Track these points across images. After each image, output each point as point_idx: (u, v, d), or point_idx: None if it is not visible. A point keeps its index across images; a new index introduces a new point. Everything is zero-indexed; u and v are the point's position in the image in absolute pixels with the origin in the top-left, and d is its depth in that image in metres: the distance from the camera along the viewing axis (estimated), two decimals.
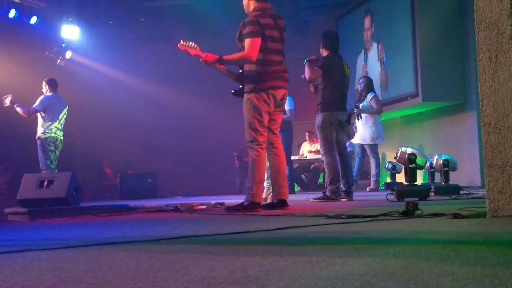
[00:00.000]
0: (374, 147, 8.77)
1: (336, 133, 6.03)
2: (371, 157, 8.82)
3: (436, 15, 9.34)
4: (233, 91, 4.75)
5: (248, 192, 4.61)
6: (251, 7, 4.71)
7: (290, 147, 8.99)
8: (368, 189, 8.82)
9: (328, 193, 5.90)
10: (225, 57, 4.61)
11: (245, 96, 4.65)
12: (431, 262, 1.49)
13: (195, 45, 4.68)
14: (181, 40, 4.70)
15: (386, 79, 10.67)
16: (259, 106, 4.59)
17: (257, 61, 4.56)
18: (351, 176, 6.26)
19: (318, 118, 6.02)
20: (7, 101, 7.72)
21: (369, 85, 8.80)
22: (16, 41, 10.31)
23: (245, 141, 4.69)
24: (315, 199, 5.96)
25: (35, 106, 7.83)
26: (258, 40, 4.51)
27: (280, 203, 4.67)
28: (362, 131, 8.72)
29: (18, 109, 7.80)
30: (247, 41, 4.51)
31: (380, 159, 9.28)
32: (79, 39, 11.24)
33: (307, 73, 6.00)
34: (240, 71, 4.71)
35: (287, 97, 8.52)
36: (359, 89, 9.01)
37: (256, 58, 4.53)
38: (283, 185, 4.72)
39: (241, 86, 4.72)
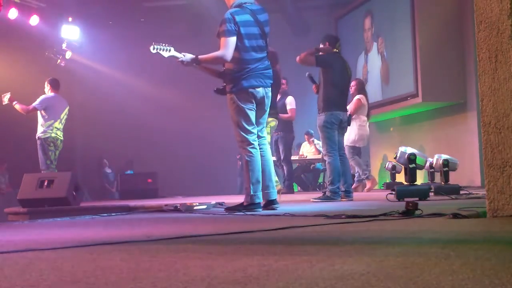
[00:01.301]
0: (354, 149, 8.56)
1: (336, 132, 6.02)
2: (350, 159, 8.28)
3: (436, 15, 9.33)
4: (215, 89, 4.63)
5: (246, 193, 4.59)
6: (231, 1, 4.61)
7: (290, 147, 8.97)
8: (365, 190, 8.80)
9: (328, 193, 5.90)
10: (201, 57, 4.52)
11: (228, 96, 4.56)
12: (431, 262, 1.49)
13: (169, 47, 4.54)
14: (153, 43, 4.52)
15: (387, 72, 10.61)
16: (242, 105, 4.50)
17: (234, 60, 4.46)
18: (350, 176, 6.25)
19: (320, 118, 5.98)
20: (6, 99, 7.72)
21: (358, 88, 8.75)
22: (16, 41, 10.31)
23: (236, 141, 4.62)
24: (315, 199, 5.95)
25: (35, 104, 7.84)
26: (233, 39, 4.41)
27: (266, 204, 4.54)
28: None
29: (17, 106, 7.82)
30: (221, 40, 4.44)
31: (361, 159, 8.98)
32: (79, 39, 11.23)
33: (303, 53, 5.97)
34: (224, 68, 4.60)
35: (289, 97, 8.60)
36: (350, 92, 8.89)
37: (231, 57, 4.43)
38: (268, 185, 4.58)
39: (224, 84, 4.61)
